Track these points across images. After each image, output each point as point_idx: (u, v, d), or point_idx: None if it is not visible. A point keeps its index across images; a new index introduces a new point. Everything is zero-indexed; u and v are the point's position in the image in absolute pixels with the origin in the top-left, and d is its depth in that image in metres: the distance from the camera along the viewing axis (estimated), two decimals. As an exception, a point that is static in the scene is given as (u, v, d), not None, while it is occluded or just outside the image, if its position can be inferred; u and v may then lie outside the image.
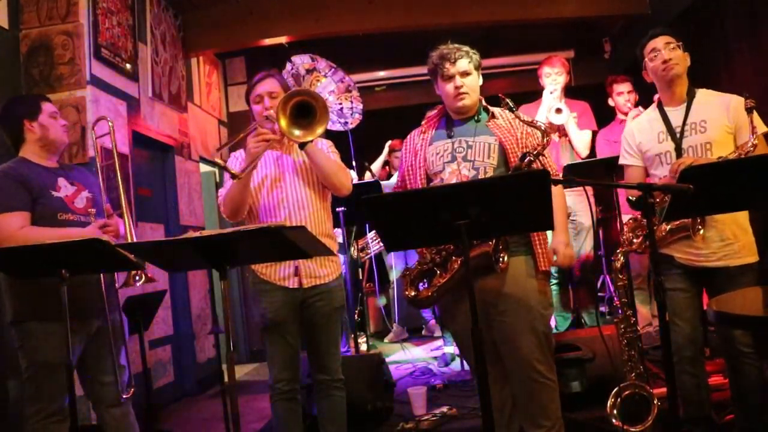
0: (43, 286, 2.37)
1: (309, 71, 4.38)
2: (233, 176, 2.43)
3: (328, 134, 2.70)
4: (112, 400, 2.62)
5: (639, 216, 2.51)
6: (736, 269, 2.44)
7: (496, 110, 2.48)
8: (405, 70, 6.60)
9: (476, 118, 2.44)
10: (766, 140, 2.43)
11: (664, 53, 2.53)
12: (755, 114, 2.37)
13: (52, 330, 2.38)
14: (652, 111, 2.68)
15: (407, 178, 2.52)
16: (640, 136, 2.65)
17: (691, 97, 2.55)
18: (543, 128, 2.29)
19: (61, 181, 2.61)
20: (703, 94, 2.56)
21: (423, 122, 2.58)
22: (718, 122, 2.48)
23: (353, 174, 4.85)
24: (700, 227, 2.39)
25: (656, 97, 2.70)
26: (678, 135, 2.51)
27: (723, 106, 2.50)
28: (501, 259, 2.22)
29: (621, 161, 2.74)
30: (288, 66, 4.39)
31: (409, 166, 2.52)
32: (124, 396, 2.64)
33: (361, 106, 4.53)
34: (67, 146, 2.74)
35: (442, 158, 2.41)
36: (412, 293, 2.35)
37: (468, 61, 2.40)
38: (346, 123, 4.52)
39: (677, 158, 2.48)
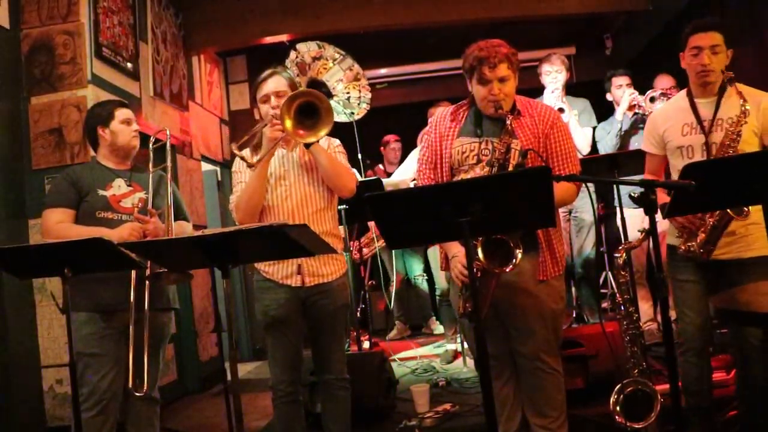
0: (83, 278, 2.41)
1: (316, 59, 4.23)
2: (249, 165, 2.46)
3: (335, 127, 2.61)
4: (138, 393, 2.64)
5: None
6: (750, 260, 2.42)
7: (523, 101, 2.39)
8: (406, 67, 6.59)
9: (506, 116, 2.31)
10: None
11: (705, 57, 2.43)
12: None
13: (82, 320, 2.53)
14: (681, 100, 2.60)
15: (437, 169, 2.43)
16: (665, 125, 2.58)
17: (722, 90, 2.45)
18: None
19: (117, 182, 2.70)
20: (736, 89, 2.45)
21: (452, 109, 2.46)
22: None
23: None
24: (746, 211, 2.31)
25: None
26: (707, 129, 2.43)
27: (754, 104, 2.42)
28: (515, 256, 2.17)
29: (643, 147, 2.72)
30: (292, 54, 4.23)
31: (437, 157, 2.42)
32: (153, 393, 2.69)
33: (369, 96, 4.39)
34: (136, 150, 2.82)
35: (467, 158, 2.36)
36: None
37: (507, 66, 2.30)
38: (352, 113, 4.34)
39: (702, 153, 2.42)
